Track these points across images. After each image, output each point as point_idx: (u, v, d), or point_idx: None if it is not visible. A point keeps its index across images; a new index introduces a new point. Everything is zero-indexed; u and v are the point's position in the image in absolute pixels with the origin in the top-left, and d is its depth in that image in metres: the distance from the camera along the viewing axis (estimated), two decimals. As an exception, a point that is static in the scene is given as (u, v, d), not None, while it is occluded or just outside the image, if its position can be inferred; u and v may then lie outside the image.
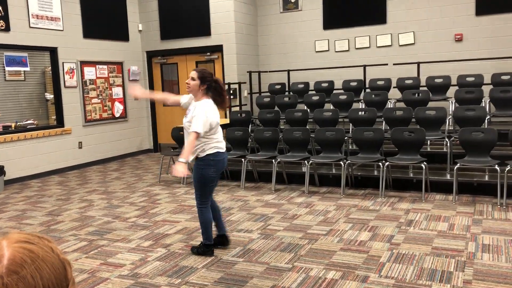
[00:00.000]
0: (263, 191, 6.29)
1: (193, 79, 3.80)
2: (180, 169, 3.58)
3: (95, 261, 4.00)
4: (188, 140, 3.73)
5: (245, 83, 9.05)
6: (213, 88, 3.85)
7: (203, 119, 3.70)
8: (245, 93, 9.19)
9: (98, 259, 4.05)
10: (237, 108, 8.76)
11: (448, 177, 5.87)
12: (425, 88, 7.55)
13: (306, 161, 6.14)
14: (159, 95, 4.58)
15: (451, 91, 7.35)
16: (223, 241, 4.17)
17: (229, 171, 7.05)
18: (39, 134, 7.91)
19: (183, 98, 4.10)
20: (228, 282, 3.47)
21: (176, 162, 3.68)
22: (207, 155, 3.84)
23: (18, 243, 0.74)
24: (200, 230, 4.06)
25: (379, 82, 8.04)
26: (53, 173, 8.16)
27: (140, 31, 9.97)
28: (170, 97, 4.24)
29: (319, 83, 8.58)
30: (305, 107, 7.87)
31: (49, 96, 8.33)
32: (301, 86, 8.74)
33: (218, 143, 3.89)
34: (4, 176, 7.18)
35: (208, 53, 9.46)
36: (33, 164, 7.83)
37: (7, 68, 7.57)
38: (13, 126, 7.72)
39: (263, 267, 3.72)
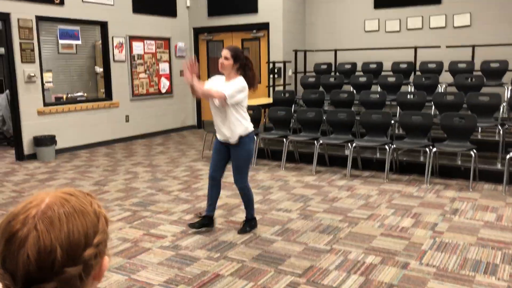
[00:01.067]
0: (303, 172, 6.26)
1: (226, 58, 3.76)
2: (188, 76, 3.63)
3: (138, 231, 4.13)
4: (213, 91, 3.69)
5: (290, 62, 8.95)
6: (244, 66, 3.84)
7: (237, 88, 3.73)
8: (289, 72, 9.10)
9: (141, 230, 4.17)
10: (281, 88, 8.69)
11: (499, 166, 5.62)
12: (479, 73, 7.21)
13: (349, 144, 6.04)
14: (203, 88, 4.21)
15: (508, 77, 6.98)
16: (209, 223, 4.10)
17: (270, 150, 7.05)
18: (88, 107, 8.17)
19: (207, 85, 3.92)
20: (265, 259, 3.50)
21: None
22: (250, 132, 3.89)
23: (60, 193, 0.81)
24: (248, 211, 4.08)
25: (430, 65, 7.74)
26: (100, 144, 8.44)
27: (188, 7, 10.01)
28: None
29: (367, 64, 8.36)
30: (351, 89, 7.70)
31: (99, 69, 8.56)
32: (348, 66, 8.55)
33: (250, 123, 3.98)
34: (56, 145, 7.49)
35: (254, 31, 9.39)
36: (82, 135, 8.12)
37: (60, 41, 7.82)
38: (64, 97, 8.01)
39: (301, 247, 3.72)
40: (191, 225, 4.07)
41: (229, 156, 3.98)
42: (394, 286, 3.04)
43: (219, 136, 3.95)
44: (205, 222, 4.07)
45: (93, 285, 0.82)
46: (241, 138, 3.86)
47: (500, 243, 3.72)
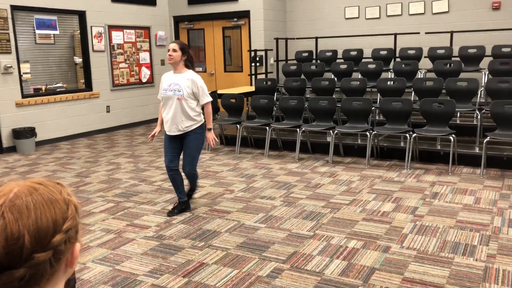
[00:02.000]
0: (286, 159, 6.30)
1: (175, 50, 4.05)
2: (213, 136, 4.23)
3: (121, 222, 4.12)
4: (207, 110, 4.17)
5: (271, 50, 8.94)
6: (190, 59, 4.16)
7: (205, 86, 4.14)
8: (271, 60, 9.09)
9: (125, 220, 4.17)
10: (263, 76, 8.69)
11: (477, 150, 5.74)
12: (458, 59, 7.31)
13: (331, 131, 6.09)
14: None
15: (485, 62, 7.10)
16: (186, 207, 4.37)
17: (253, 139, 7.07)
18: (68, 97, 8.05)
19: (159, 95, 4.27)
20: (250, 246, 3.53)
21: (208, 132, 4.23)
22: (202, 124, 4.20)
23: (29, 183, 0.82)
24: (194, 186, 4.42)
25: (410, 52, 7.82)
26: (81, 135, 8.35)
27: (167, -5, 9.89)
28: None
29: (347, 51, 8.40)
30: (332, 76, 7.74)
31: (78, 59, 8.43)
32: (329, 54, 8.58)
33: None
34: (36, 137, 7.38)
35: (235, 19, 9.34)
36: (62, 126, 8.02)
37: (37, 31, 7.66)
38: (43, 88, 7.87)
39: (284, 233, 3.76)
40: (170, 213, 4.24)
41: (181, 146, 4.23)
42: (376, 269, 3.11)
43: (173, 132, 4.12)
44: (183, 207, 4.30)
45: (67, 272, 0.83)
46: (195, 129, 4.15)
47: (478, 225, 3.82)
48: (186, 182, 4.40)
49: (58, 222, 0.78)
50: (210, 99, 4.15)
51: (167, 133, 4.16)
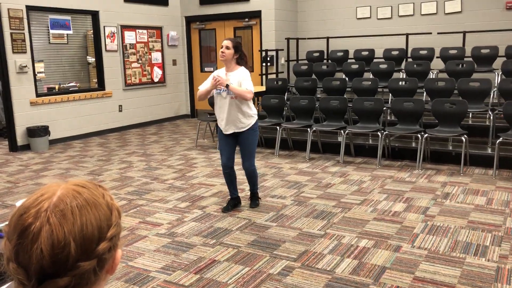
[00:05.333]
0: (297, 159, 6.31)
1: (228, 48, 3.98)
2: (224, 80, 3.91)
3: (134, 220, 4.17)
4: (246, 91, 3.91)
5: (282, 50, 8.96)
6: (243, 57, 4.07)
7: (251, 80, 4.01)
8: (282, 60, 9.11)
9: (137, 218, 4.21)
10: (274, 76, 8.71)
11: (489, 151, 5.70)
12: (470, 59, 7.27)
13: (342, 131, 6.09)
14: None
15: (498, 63, 7.04)
16: (238, 202, 4.44)
17: (263, 138, 7.09)
18: (81, 97, 8.15)
19: (203, 86, 4.14)
20: (261, 245, 3.55)
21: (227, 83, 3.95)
22: (257, 120, 4.18)
23: (72, 185, 0.80)
24: (255, 187, 4.43)
25: (422, 52, 7.78)
26: (94, 134, 8.43)
27: (179, -5, 9.95)
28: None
29: (359, 51, 8.39)
30: (344, 76, 7.74)
31: (91, 59, 8.52)
32: (340, 54, 8.58)
33: None
34: (49, 136, 7.48)
35: (247, 19, 9.37)
36: (75, 125, 8.11)
37: (51, 31, 7.77)
38: (56, 88, 7.98)
39: (295, 232, 3.78)
40: (225, 210, 4.30)
41: (237, 144, 4.22)
42: (387, 268, 3.11)
43: (231, 130, 4.11)
44: (235, 203, 4.39)
45: (106, 278, 0.81)
46: (250, 127, 4.12)
47: (490, 226, 3.80)
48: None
49: (103, 229, 0.77)
50: (253, 90, 4.00)
51: (224, 132, 4.14)
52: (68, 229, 0.73)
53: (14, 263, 0.73)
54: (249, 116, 4.08)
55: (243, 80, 3.98)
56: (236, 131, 4.10)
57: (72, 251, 0.72)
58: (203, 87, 4.10)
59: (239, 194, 4.47)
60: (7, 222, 0.77)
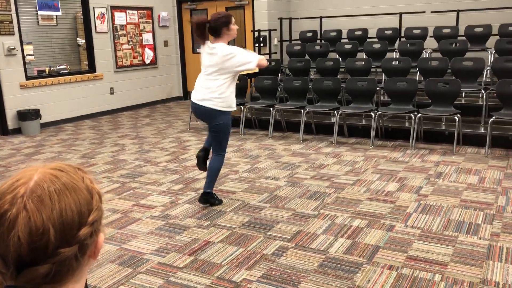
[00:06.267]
0: (290, 140, 6.30)
1: None
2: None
3: (127, 202, 4.16)
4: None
5: (275, 30, 8.86)
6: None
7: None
8: (275, 41, 9.02)
9: (131, 201, 4.20)
10: (267, 57, 8.63)
11: (482, 130, 5.72)
12: (464, 38, 7.23)
13: (335, 112, 6.08)
14: None
15: (492, 42, 7.02)
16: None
17: (257, 120, 7.06)
18: (72, 79, 8.04)
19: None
20: (255, 226, 3.56)
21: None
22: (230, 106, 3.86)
23: (49, 169, 0.76)
24: (209, 180, 3.93)
25: (415, 31, 7.74)
26: (86, 117, 8.36)
27: (170, -25, 9.78)
28: None
29: (352, 31, 8.32)
30: (337, 56, 7.69)
31: (81, 41, 8.39)
32: (333, 34, 8.50)
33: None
34: (40, 119, 7.40)
35: (239, -1, 9.24)
36: (67, 108, 8.03)
37: (39, 12, 7.62)
38: (47, 70, 7.86)
39: (289, 213, 3.79)
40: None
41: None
42: (380, 248, 3.13)
43: (196, 99, 3.83)
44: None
45: (89, 263, 0.79)
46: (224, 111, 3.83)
47: (482, 204, 3.83)
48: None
49: (83, 214, 0.74)
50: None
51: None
52: (46, 215, 0.70)
53: None
54: (228, 98, 3.83)
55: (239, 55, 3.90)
56: (202, 103, 3.81)
57: (51, 237, 0.70)
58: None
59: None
60: None
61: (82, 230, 0.73)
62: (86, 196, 0.76)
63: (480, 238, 3.22)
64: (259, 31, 8.63)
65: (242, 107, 6.76)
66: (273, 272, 2.87)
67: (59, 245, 0.71)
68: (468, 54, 6.82)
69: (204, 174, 4.88)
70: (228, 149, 5.87)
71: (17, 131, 7.25)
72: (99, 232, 0.78)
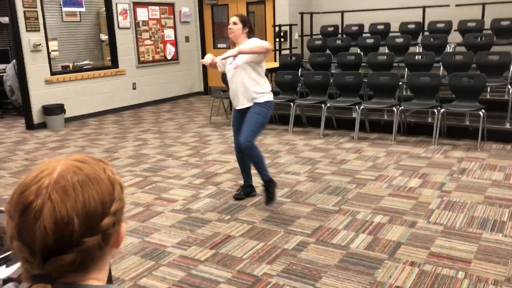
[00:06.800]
0: (311, 135, 6.28)
1: (235, 23, 3.72)
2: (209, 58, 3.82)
3: (150, 196, 4.22)
4: (258, 46, 3.58)
5: (296, 25, 8.82)
6: (252, 32, 3.80)
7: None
8: (296, 35, 8.98)
9: (153, 194, 4.26)
10: (287, 51, 8.60)
11: (508, 126, 5.60)
12: (490, 32, 7.07)
13: (357, 106, 6.02)
14: None
15: (519, 35, 6.84)
16: (251, 190, 4.10)
17: (277, 115, 7.06)
18: (95, 75, 8.17)
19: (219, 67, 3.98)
20: (275, 220, 3.57)
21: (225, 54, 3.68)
22: (269, 100, 3.78)
23: (72, 161, 0.79)
24: (262, 172, 3.81)
25: (439, 25, 7.60)
26: (109, 112, 8.48)
27: (191, -30, 9.82)
28: None
29: (374, 25, 8.22)
30: (359, 51, 7.61)
31: (104, 37, 8.51)
32: (355, 28, 8.42)
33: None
34: (64, 114, 7.54)
35: (260, -6, 9.22)
36: (90, 103, 8.16)
37: (64, 9, 7.75)
38: (71, 66, 8.00)
39: (310, 208, 3.78)
40: (237, 197, 4.02)
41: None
42: (402, 244, 3.11)
43: (239, 106, 3.83)
44: (248, 191, 4.07)
45: (111, 253, 0.82)
46: (260, 103, 3.76)
47: (508, 201, 3.75)
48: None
49: (106, 204, 0.76)
50: (265, 43, 3.64)
51: (235, 107, 3.89)
52: (70, 205, 0.72)
53: (18, 241, 0.73)
54: (261, 86, 3.73)
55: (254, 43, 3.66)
56: (247, 105, 3.77)
57: (76, 227, 0.72)
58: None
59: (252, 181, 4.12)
60: (7, 200, 0.77)
61: (105, 220, 0.76)
62: (108, 186, 0.78)
63: (505, 236, 3.16)
64: (280, 26, 8.61)
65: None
66: (294, 267, 2.88)
67: (83, 235, 0.73)
68: (494, 48, 6.67)
69: (225, 168, 4.91)
70: (248, 144, 5.89)
71: (42, 125, 7.41)
72: (121, 222, 0.80)
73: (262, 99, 3.75)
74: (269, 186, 3.84)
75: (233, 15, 3.84)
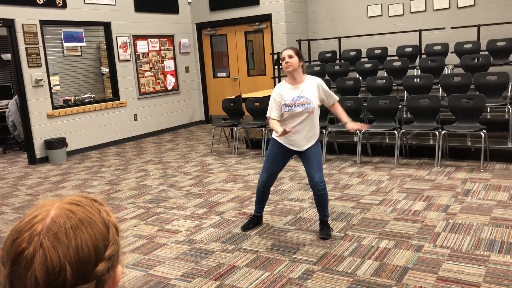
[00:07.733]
0: (314, 161, 6.26)
1: (291, 56, 3.58)
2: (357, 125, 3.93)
3: (152, 228, 4.18)
4: (340, 108, 3.92)
5: (294, 52, 8.91)
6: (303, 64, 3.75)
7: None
8: (295, 62, 9.06)
9: (156, 226, 4.22)
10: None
11: (510, 145, 5.59)
12: (486, 53, 7.14)
13: (358, 131, 6.03)
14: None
15: (515, 55, 6.91)
16: (259, 221, 4.07)
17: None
18: (96, 107, 8.23)
19: (274, 114, 3.70)
20: (280, 249, 3.53)
21: (351, 124, 3.88)
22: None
23: (65, 204, 0.77)
24: (325, 208, 3.75)
25: (436, 47, 7.68)
26: (110, 144, 8.51)
27: (189, 2, 10.01)
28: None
29: (371, 50, 8.32)
30: (357, 75, 7.68)
31: (105, 70, 8.61)
32: (352, 53, 8.52)
33: None
34: (66, 147, 7.57)
35: (257, 23, 9.37)
36: (92, 136, 8.20)
37: (65, 44, 7.87)
38: (72, 99, 8.07)
39: (314, 235, 3.74)
40: (245, 228, 3.98)
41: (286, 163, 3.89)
42: (409, 269, 3.06)
43: (301, 148, 3.72)
44: (257, 222, 4.04)
45: None
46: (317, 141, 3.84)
47: (514, 222, 3.71)
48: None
49: (100, 249, 0.74)
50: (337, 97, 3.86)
51: (299, 149, 3.73)
52: (63, 252, 0.70)
53: None
54: (318, 128, 3.80)
55: (324, 89, 3.70)
56: (308, 146, 3.71)
57: (68, 275, 0.70)
58: (275, 116, 3.68)
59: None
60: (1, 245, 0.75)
61: (99, 266, 0.73)
62: (103, 230, 0.76)
63: (514, 257, 3.11)
64: (278, 53, 8.71)
65: (263, 129, 6.78)
66: (300, 296, 2.82)
67: (76, 283, 0.70)
68: (492, 69, 6.72)
69: (228, 197, 4.88)
70: (250, 172, 5.89)
71: (45, 159, 7.42)
72: (116, 266, 0.78)
73: (318, 135, 3.81)
74: (328, 224, 3.81)
75: (286, 48, 3.68)
